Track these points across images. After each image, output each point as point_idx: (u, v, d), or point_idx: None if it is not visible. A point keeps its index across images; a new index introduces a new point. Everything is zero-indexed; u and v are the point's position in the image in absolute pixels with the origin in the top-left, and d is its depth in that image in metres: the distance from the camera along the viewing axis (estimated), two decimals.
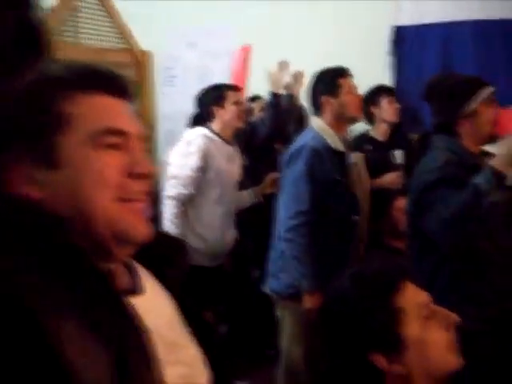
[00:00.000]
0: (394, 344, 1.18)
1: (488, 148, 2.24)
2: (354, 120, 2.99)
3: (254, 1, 4.40)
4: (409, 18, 4.17)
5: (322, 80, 2.91)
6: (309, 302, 2.69)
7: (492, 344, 2.01)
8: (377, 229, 3.21)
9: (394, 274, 1.24)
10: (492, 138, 2.23)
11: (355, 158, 3.16)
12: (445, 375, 1.21)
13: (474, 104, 2.21)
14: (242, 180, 3.45)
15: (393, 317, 1.19)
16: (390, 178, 3.51)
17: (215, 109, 3.25)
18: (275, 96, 3.59)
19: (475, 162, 2.18)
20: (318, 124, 2.88)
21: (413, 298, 1.22)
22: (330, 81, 2.88)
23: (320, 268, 2.69)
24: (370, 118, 3.87)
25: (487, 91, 2.25)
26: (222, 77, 3.91)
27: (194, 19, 4.52)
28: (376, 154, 3.63)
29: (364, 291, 1.22)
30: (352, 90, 2.90)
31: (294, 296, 2.77)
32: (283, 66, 3.58)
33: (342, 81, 2.87)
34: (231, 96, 3.28)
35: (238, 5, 4.39)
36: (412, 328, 1.19)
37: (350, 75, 2.93)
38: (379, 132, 3.85)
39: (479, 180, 2.06)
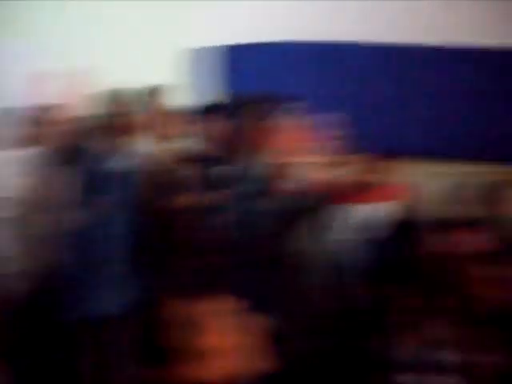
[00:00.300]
0: (186, 355, 1.21)
1: (296, 159, 2.38)
2: (169, 137, 3.04)
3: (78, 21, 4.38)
4: (242, 37, 4.34)
5: (133, 99, 2.95)
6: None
7: (306, 344, 2.14)
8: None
9: (176, 289, 1.28)
10: (303, 150, 2.36)
11: (184, 174, 3.23)
12: (252, 378, 1.26)
13: (258, 120, 2.33)
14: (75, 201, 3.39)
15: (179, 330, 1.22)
16: (216, 195, 3.60)
17: (42, 129, 3.21)
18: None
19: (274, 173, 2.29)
20: (135, 144, 2.91)
21: (199, 310, 1.26)
22: (141, 100, 2.91)
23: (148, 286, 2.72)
24: (200, 134, 3.95)
25: (281, 108, 2.36)
26: (44, 97, 3.83)
27: (24, 35, 4.42)
28: (205, 170, 3.70)
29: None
30: (162, 107, 2.96)
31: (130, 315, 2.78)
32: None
33: (152, 100, 2.92)
34: (54, 116, 3.26)
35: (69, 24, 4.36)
36: (206, 338, 1.23)
37: (163, 93, 2.97)
38: (209, 148, 3.93)
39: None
